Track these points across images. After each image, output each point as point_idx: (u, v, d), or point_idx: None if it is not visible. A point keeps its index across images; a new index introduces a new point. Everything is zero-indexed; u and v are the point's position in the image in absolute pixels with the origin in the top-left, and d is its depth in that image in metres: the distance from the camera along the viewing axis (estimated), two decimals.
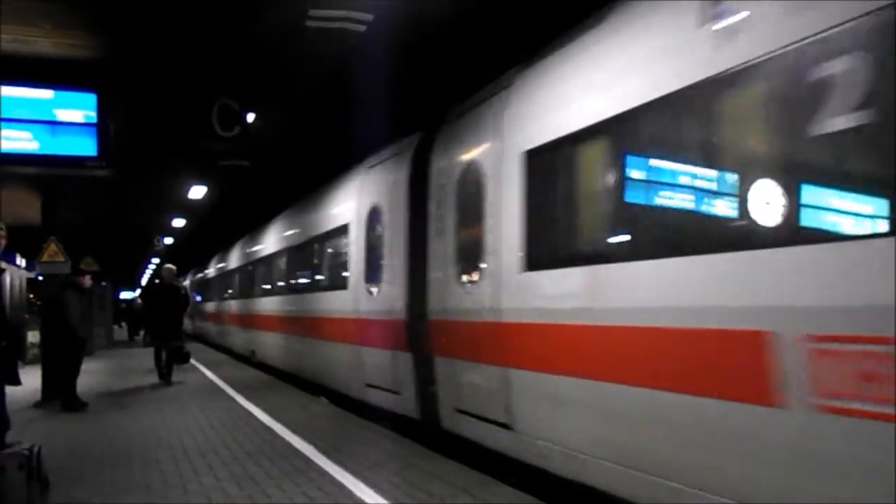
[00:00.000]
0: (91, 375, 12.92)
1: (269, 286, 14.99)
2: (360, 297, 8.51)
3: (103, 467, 6.05)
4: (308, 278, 11.75)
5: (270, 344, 14.43)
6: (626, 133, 4.17)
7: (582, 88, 4.64)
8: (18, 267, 20.36)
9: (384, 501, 4.79)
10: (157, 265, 32.81)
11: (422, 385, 6.87)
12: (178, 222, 22.03)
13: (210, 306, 25.19)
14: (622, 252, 4.20)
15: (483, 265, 5.66)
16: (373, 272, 8.26)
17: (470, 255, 5.91)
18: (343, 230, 9.41)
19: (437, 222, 6.53)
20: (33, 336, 15.54)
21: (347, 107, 9.90)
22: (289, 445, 6.73)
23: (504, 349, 5.30)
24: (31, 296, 20.62)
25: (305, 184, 12.94)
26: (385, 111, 9.13)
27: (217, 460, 6.19)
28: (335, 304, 9.53)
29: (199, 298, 27.70)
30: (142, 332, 22.46)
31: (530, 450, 5.02)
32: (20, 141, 8.37)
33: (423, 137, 7.35)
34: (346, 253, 9.30)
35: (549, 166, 4.93)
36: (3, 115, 8.23)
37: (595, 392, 4.26)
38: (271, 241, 14.83)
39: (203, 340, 25.18)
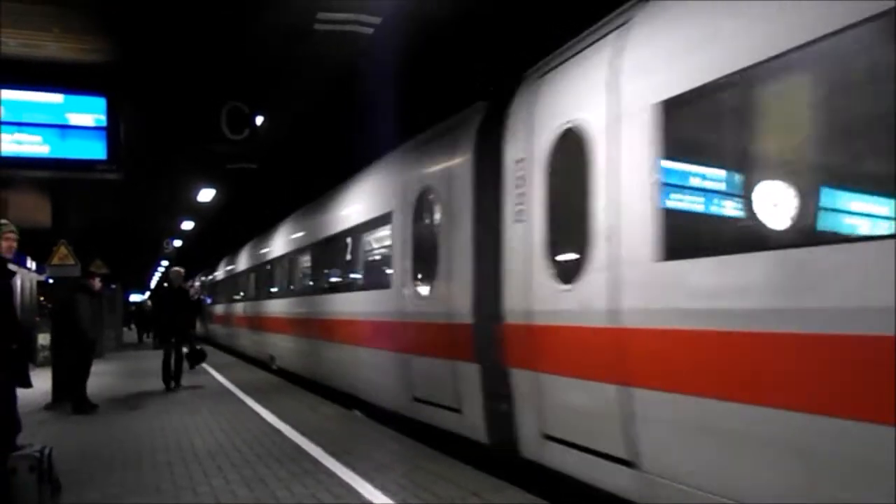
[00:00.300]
0: (101, 377, 12.98)
1: (291, 286, 13.76)
2: (407, 297, 7.31)
3: (113, 469, 6.08)
4: (339, 276, 10.47)
5: (293, 349, 13.18)
6: (840, 57, 2.95)
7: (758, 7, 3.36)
8: (29, 270, 20.49)
9: (392, 503, 4.79)
10: (166, 268, 32.89)
11: (492, 403, 5.69)
12: (187, 225, 22.12)
13: (222, 308, 24.21)
14: (841, 230, 3.04)
15: (591, 255, 4.40)
16: (424, 267, 7.01)
17: (569, 243, 4.70)
18: (383, 220, 8.20)
19: (516, 204, 5.26)
20: (44, 339, 15.67)
21: (356, 108, 9.94)
22: (297, 447, 6.74)
23: (625, 362, 4.05)
24: (42, 298, 20.76)
25: (316, 184, 12.88)
26: (397, 108, 9.15)
27: (227, 462, 6.20)
28: (374, 305, 8.34)
29: (209, 300, 27.19)
30: (150, 335, 22.66)
31: (664, 496, 3.81)
32: (31, 145, 8.43)
33: (490, 106, 6.19)
34: (387, 246, 8.17)
35: (704, 116, 3.77)
36: (14, 119, 8.29)
37: (789, 427, 3.02)
38: (294, 237, 13.52)
39: (214, 343, 24.59)
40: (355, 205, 9.64)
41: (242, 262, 19.96)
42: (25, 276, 19.12)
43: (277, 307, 14.65)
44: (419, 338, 7.04)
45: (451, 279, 6.38)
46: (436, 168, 6.91)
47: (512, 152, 5.45)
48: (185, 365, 12.68)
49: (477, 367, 5.89)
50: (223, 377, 13.64)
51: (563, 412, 4.76)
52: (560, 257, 4.83)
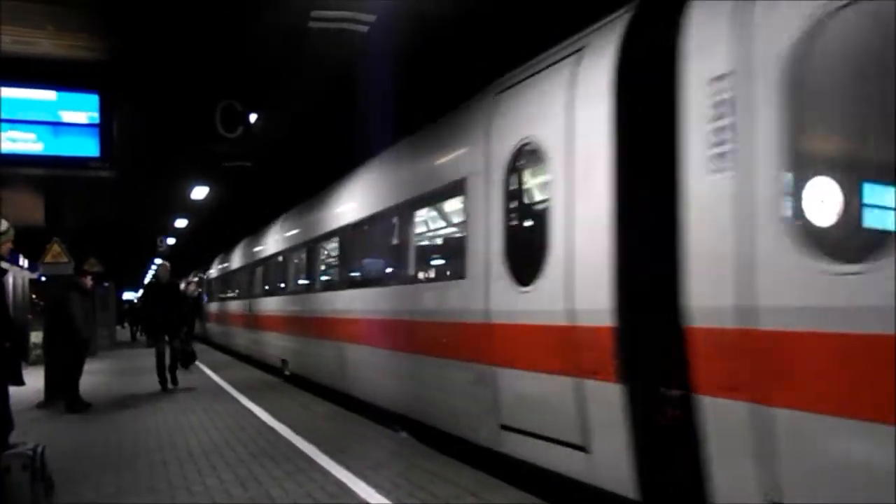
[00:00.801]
0: (94, 376, 12.93)
1: (309, 281, 11.79)
2: (496, 291, 5.50)
3: (107, 468, 6.06)
4: (383, 266, 8.49)
5: (314, 354, 11.12)
6: None
7: None
8: (21, 268, 20.39)
9: (387, 502, 4.78)
10: (159, 264, 32.63)
11: (648, 443, 4.09)
12: (181, 223, 22.06)
13: (221, 307, 22.26)
14: None
15: None
16: (523, 249, 5.31)
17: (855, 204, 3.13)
18: (452, 191, 6.48)
19: (713, 145, 3.53)
20: (36, 337, 15.60)
21: (352, 107, 9.93)
22: (292, 446, 6.73)
23: None
24: (34, 296, 20.67)
25: (310, 183, 12.84)
26: (392, 105, 9.10)
27: (221, 461, 6.19)
28: (439, 301, 6.65)
29: (205, 298, 25.68)
30: (140, 331, 22.24)
31: None
32: (24, 142, 8.41)
33: (636, 16, 4.47)
34: (456, 224, 6.62)
35: None
36: (8, 117, 8.27)
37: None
38: (318, 222, 11.31)
39: (209, 343, 23.70)
40: (406, 176, 7.81)
41: (247, 254, 17.96)
42: (18, 274, 19.04)
43: (292, 304, 12.65)
44: (513, 344, 5.32)
45: (575, 263, 4.57)
46: (540, 111, 5.13)
47: (703, 67, 3.69)
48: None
49: (619, 388, 4.19)
50: (218, 376, 13.61)
51: (821, 470, 2.99)
52: (825, 220, 3.13)
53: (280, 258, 14.02)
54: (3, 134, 8.22)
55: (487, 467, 5.58)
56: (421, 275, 7.42)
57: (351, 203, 9.66)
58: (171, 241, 26.06)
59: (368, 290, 8.61)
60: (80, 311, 9.64)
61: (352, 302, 9.10)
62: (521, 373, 5.20)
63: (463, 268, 6.04)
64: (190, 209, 19.44)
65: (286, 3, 7.18)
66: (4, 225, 5.09)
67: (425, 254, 7.58)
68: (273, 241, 14.90)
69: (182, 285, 16.44)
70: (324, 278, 11.29)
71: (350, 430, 7.51)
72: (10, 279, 15.62)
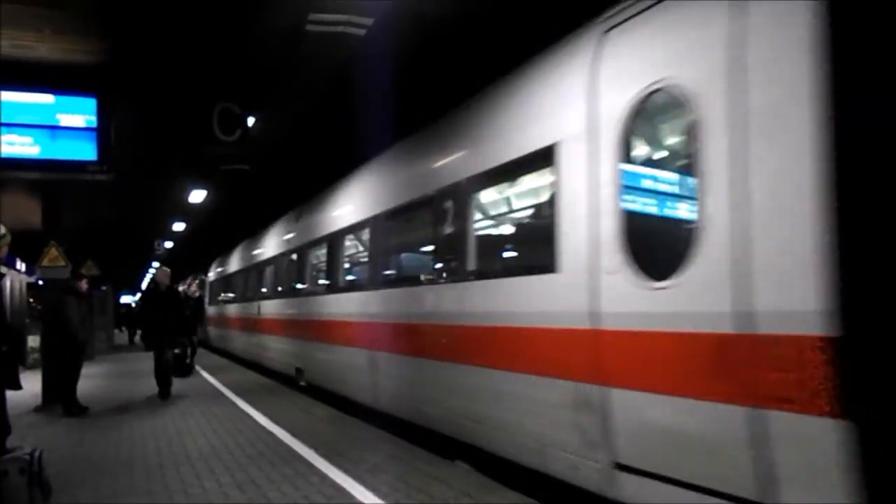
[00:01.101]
0: (92, 379, 12.91)
1: (332, 279, 10.16)
2: (610, 287, 4.19)
3: (104, 472, 6.05)
4: (430, 261, 7.11)
5: (337, 363, 9.66)
6: None
7: None
8: (18, 271, 20.36)
9: None
10: (157, 268, 32.54)
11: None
12: (179, 226, 22.05)
13: (224, 310, 20.88)
14: None
15: None
16: (657, 233, 4.24)
17: None
18: (531, 164, 5.19)
19: None
20: (34, 341, 15.58)
21: (350, 109, 9.93)
22: (290, 449, 6.73)
23: None
24: (32, 300, 20.64)
25: (309, 185, 12.78)
26: (390, 108, 9.09)
27: (219, 464, 6.18)
28: (514, 301, 5.27)
29: (206, 301, 24.42)
30: (136, 335, 21.86)
31: None
32: (21, 146, 8.41)
33: None
34: (542, 204, 5.31)
35: None
36: (5, 121, 8.27)
37: None
38: (342, 214, 9.82)
39: (208, 347, 22.65)
40: (457, 156, 6.50)
41: (256, 253, 16.41)
42: (15, 278, 19.01)
43: (310, 306, 11.12)
44: (637, 358, 4.03)
45: (754, 247, 3.34)
46: (694, 43, 3.79)
47: None
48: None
49: (838, 424, 2.91)
50: (215, 379, 13.60)
51: None
52: None
53: (295, 255, 12.47)
54: (1, 137, 8.22)
55: (485, 470, 5.57)
56: (486, 269, 5.93)
57: (386, 189, 8.26)
58: (168, 244, 26.03)
59: (410, 290, 7.30)
60: (76, 315, 9.63)
61: (388, 303, 7.71)
62: (652, 397, 3.88)
63: (552, 259, 4.70)
64: (188, 212, 19.43)
65: (284, 5, 7.19)
66: (2, 229, 5.08)
67: (490, 244, 6.24)
68: (287, 237, 13.35)
69: (182, 287, 16.36)
70: (351, 277, 9.85)
71: (349, 434, 7.49)
72: (7, 283, 15.61)
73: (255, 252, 16.34)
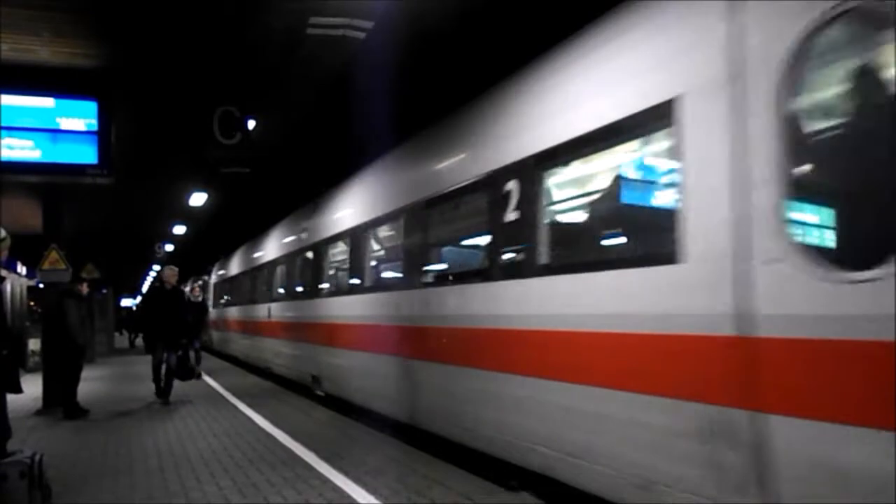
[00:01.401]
0: (92, 383, 12.91)
1: (356, 279, 8.89)
2: (772, 281, 3.09)
3: (105, 475, 6.04)
4: (488, 254, 5.70)
5: (362, 372, 8.53)
6: None
7: None
8: (19, 275, 20.39)
9: None
10: (158, 272, 32.49)
11: None
12: (179, 229, 22.04)
13: (227, 313, 20.24)
14: None
15: None
16: (853, 207, 3.05)
17: None
18: (643, 124, 4.01)
19: None
20: (34, 344, 15.58)
21: (350, 113, 9.94)
22: (290, 452, 6.72)
23: None
24: (33, 304, 20.66)
25: (309, 188, 12.78)
26: (390, 111, 9.07)
27: (219, 468, 6.18)
28: (611, 300, 4.14)
29: (209, 304, 23.35)
30: (135, 337, 21.53)
31: None
32: (22, 149, 8.43)
33: None
34: (655, 178, 4.30)
35: None
36: (6, 124, 8.28)
37: None
38: (370, 204, 8.57)
39: (209, 350, 22.07)
40: (522, 126, 5.33)
41: (264, 254, 15.37)
42: (16, 282, 19.03)
43: (329, 309, 9.98)
44: (824, 378, 2.87)
45: None
46: None
47: None
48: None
49: None
50: (215, 382, 13.59)
51: None
52: None
53: (310, 253, 11.24)
54: (2, 141, 8.24)
55: (485, 473, 5.57)
56: (572, 262, 4.85)
57: (426, 172, 7.10)
58: (169, 247, 26.04)
59: (461, 288, 6.17)
60: (76, 318, 9.63)
61: (432, 304, 6.56)
62: (839, 429, 2.78)
63: (671, 245, 3.65)
64: (189, 215, 19.42)
65: (284, 9, 7.20)
66: (3, 232, 5.09)
67: (573, 231, 5.12)
68: (303, 234, 12.00)
69: (186, 288, 16.24)
70: (384, 274, 8.51)
71: (349, 437, 7.49)
72: (7, 286, 15.65)
73: (266, 251, 15.17)
